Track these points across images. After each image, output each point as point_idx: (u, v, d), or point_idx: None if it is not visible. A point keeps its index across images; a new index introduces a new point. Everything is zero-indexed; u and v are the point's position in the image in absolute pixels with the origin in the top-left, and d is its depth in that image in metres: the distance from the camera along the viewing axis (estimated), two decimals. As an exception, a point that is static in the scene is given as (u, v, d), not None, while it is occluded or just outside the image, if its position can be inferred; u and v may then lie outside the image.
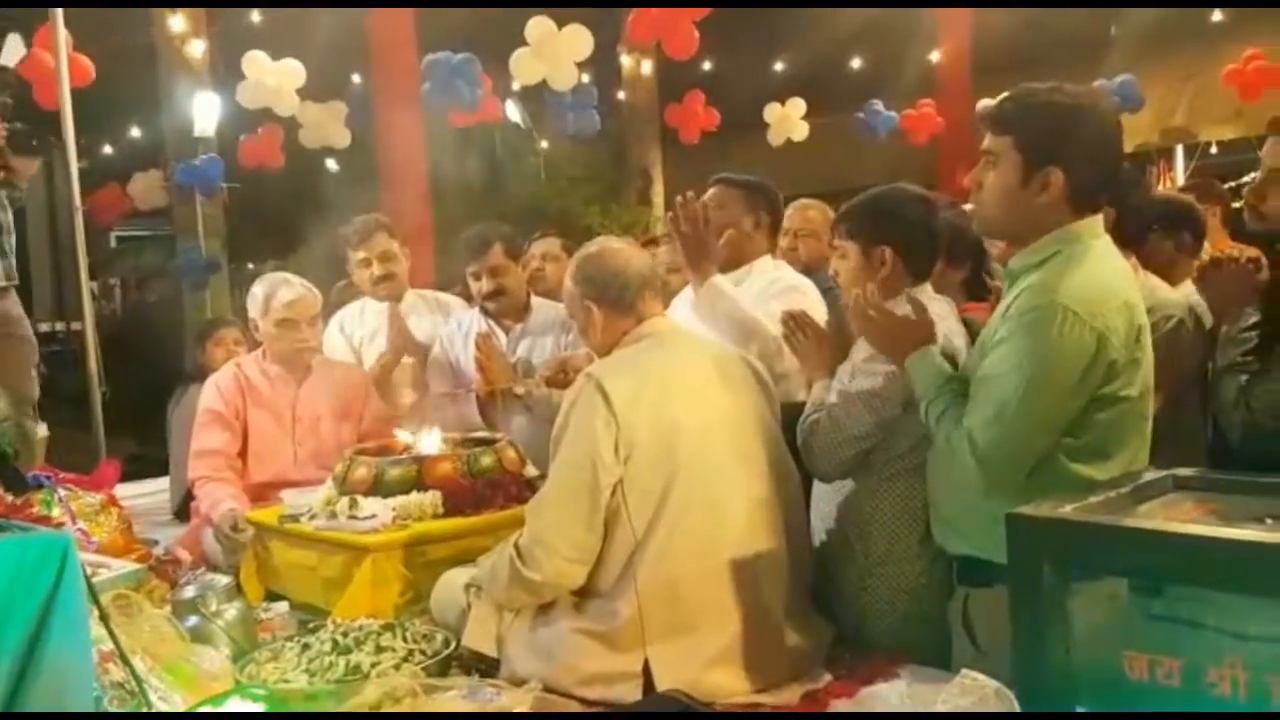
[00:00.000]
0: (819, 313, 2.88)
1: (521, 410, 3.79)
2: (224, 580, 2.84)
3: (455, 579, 2.74)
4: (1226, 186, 5.09)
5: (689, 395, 2.44)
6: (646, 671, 2.30)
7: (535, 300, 4.06)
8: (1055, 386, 2.12)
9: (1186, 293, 3.05)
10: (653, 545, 2.33)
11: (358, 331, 4.32)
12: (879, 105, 11.96)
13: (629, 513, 2.34)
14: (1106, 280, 2.18)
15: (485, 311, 4.01)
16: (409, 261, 4.45)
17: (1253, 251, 3.12)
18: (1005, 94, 2.32)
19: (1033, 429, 2.14)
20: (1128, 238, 2.78)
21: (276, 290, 3.79)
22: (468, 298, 4.49)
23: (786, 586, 2.46)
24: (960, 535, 2.36)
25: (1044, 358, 2.11)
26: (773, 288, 3.25)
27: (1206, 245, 3.52)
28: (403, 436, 3.44)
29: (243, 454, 3.75)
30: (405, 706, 2.19)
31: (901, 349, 2.39)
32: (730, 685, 2.31)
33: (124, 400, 6.48)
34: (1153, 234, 3.22)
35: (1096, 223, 2.26)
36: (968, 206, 3.70)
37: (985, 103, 3.39)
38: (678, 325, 2.62)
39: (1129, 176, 3.07)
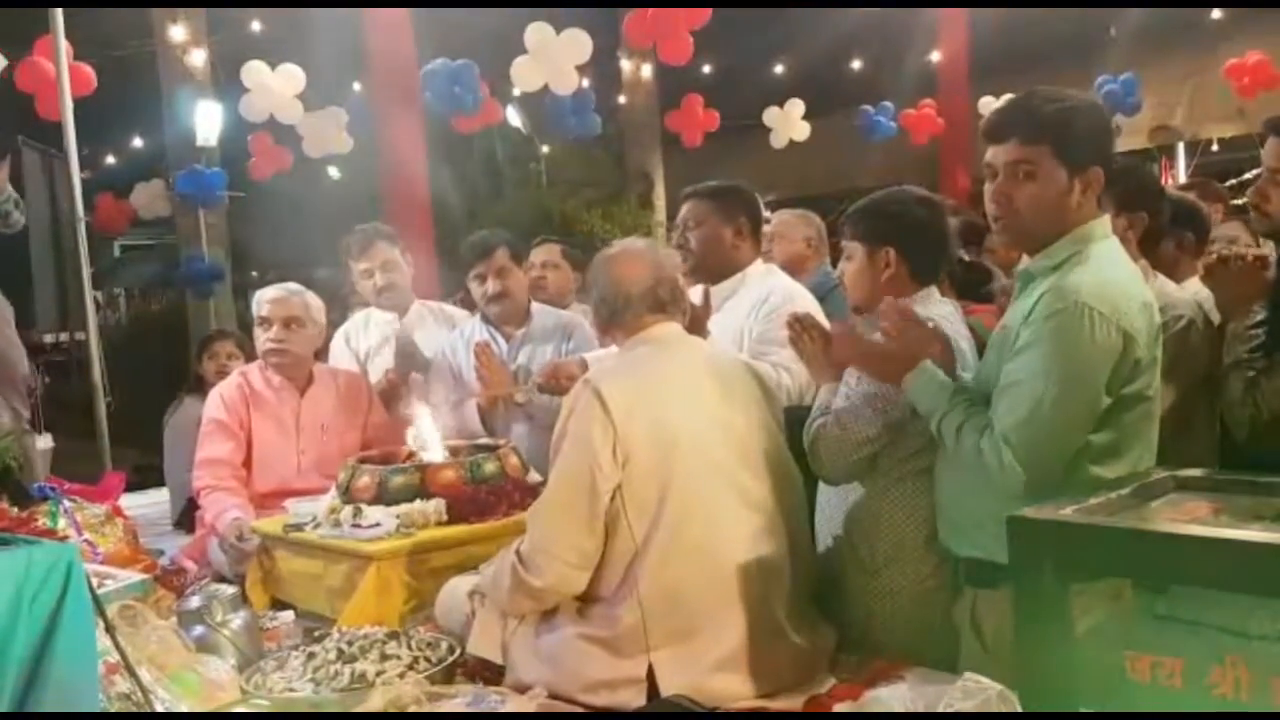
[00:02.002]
0: (818, 318, 2.88)
1: (523, 418, 3.79)
2: (229, 589, 2.85)
3: (459, 587, 2.75)
4: (1228, 184, 5.09)
5: (688, 400, 2.45)
6: (651, 677, 2.30)
7: (536, 307, 4.04)
8: (1086, 386, 2.12)
9: (1194, 291, 3.04)
10: (653, 551, 2.33)
11: (363, 344, 4.33)
12: (883, 105, 11.95)
13: (628, 518, 2.34)
14: (1124, 281, 2.19)
15: (486, 319, 4.00)
16: (412, 270, 4.45)
17: (1261, 250, 3.11)
18: (1014, 101, 2.29)
19: (1067, 429, 2.14)
20: (1148, 243, 2.79)
21: (264, 292, 3.88)
22: (470, 305, 4.49)
23: (789, 591, 2.46)
24: (972, 538, 2.34)
25: (1073, 359, 2.10)
26: (766, 304, 3.23)
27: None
28: (411, 437, 3.44)
29: (247, 463, 3.75)
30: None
31: (893, 372, 2.37)
32: (734, 690, 2.31)
33: (129, 410, 6.50)
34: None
35: (1105, 222, 2.26)
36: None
37: (990, 102, 3.37)
38: (679, 331, 2.62)
39: (1156, 184, 3.04)
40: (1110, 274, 2.17)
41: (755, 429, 2.52)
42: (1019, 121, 2.23)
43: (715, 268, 3.35)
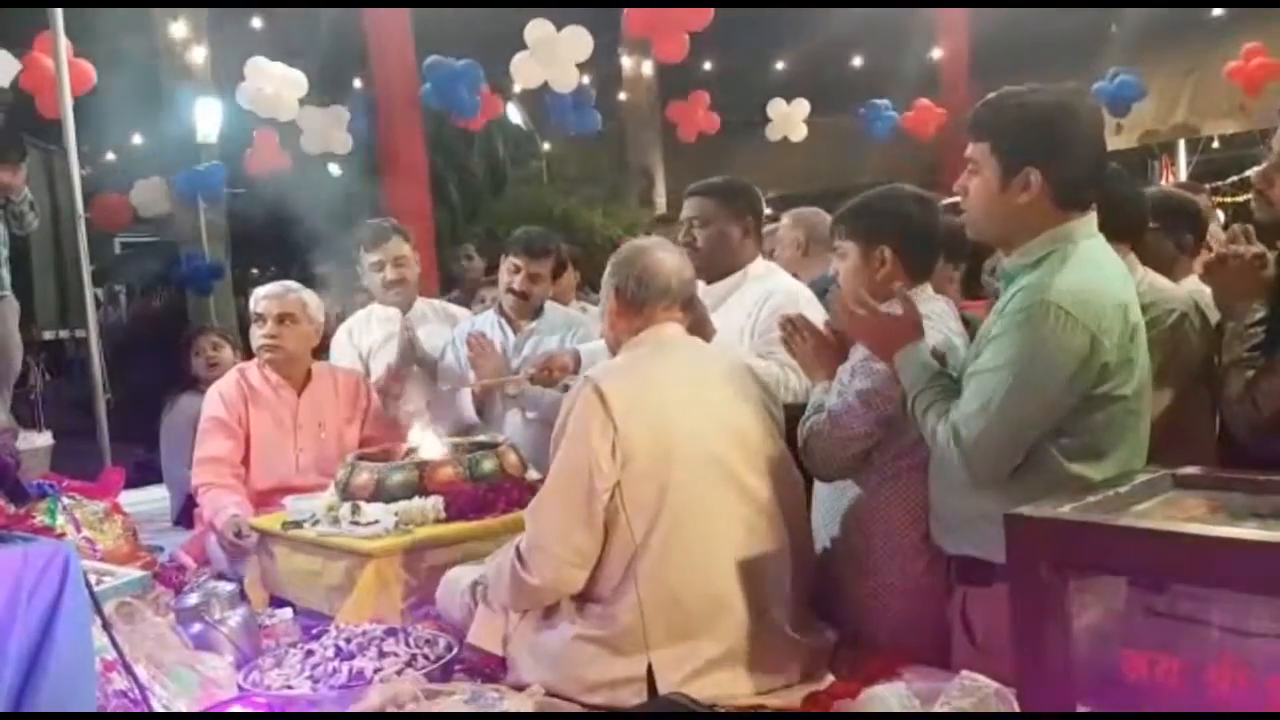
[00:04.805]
0: (815, 317, 2.88)
1: (517, 409, 3.84)
2: (228, 587, 2.85)
3: (460, 578, 2.75)
4: (1229, 181, 5.07)
5: (689, 401, 2.44)
6: (650, 676, 2.30)
7: (548, 304, 4.13)
8: (1044, 385, 2.13)
9: (1190, 288, 3.03)
10: (652, 550, 2.33)
11: (365, 340, 4.33)
12: (886, 110, 11.91)
13: (628, 517, 2.34)
14: (1100, 280, 2.19)
15: (500, 309, 4.07)
16: (420, 268, 4.47)
17: (1258, 247, 3.09)
18: (980, 101, 2.34)
19: (1017, 425, 2.16)
20: (1120, 232, 2.76)
21: (260, 289, 3.90)
22: (486, 274, 4.50)
23: (789, 590, 2.46)
24: (962, 536, 2.36)
25: (1034, 356, 2.12)
26: (768, 304, 3.22)
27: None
28: (412, 433, 3.44)
29: (245, 461, 3.75)
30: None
31: (890, 346, 2.39)
32: (733, 688, 2.32)
33: (129, 407, 6.50)
34: (1153, 232, 3.20)
35: (1089, 222, 2.26)
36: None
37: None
38: (682, 332, 2.61)
39: (1113, 170, 3.02)
40: (1085, 274, 2.17)
41: (756, 429, 2.51)
42: (972, 119, 2.31)
43: (720, 266, 3.35)
